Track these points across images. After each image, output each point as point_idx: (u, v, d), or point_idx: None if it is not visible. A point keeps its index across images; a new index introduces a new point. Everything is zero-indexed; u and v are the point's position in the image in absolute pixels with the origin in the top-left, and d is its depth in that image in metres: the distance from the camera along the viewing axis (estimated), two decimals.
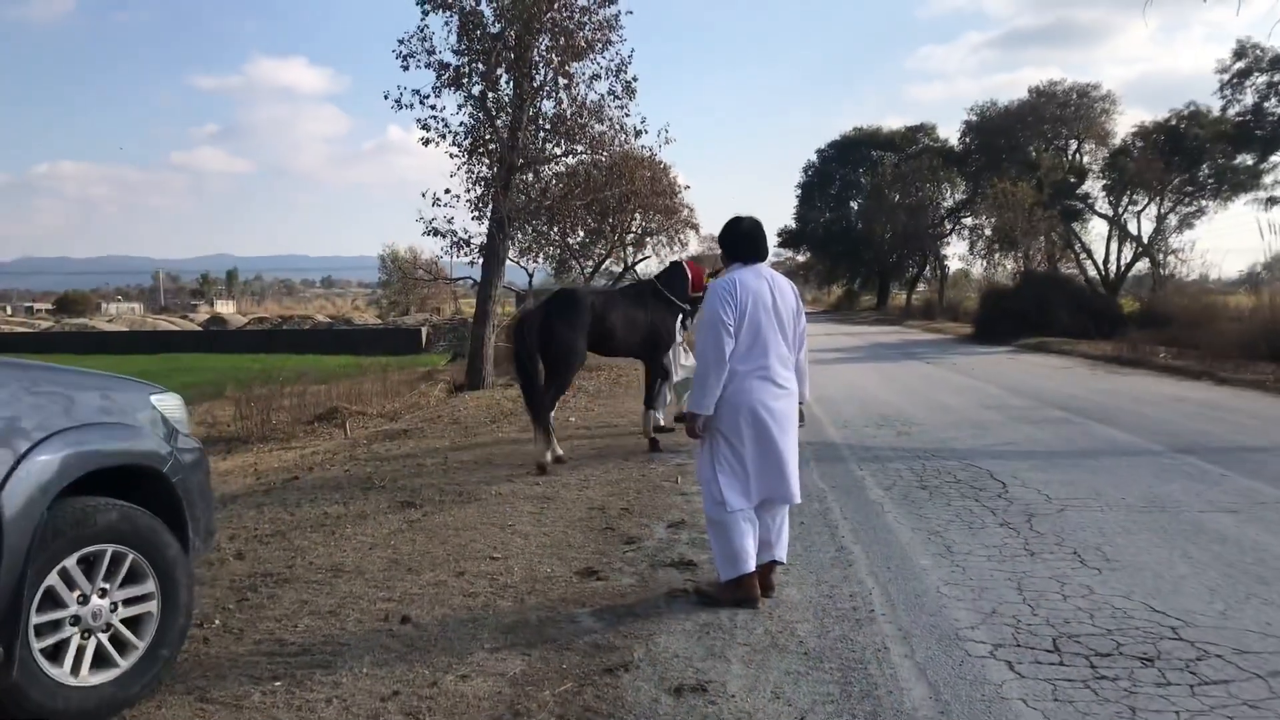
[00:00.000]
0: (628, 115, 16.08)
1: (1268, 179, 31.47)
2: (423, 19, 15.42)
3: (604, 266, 45.52)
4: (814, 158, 63.88)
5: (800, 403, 5.14)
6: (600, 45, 15.98)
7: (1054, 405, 12.58)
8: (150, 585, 3.87)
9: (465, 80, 15.50)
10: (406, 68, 15.44)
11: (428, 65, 15.47)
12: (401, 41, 15.40)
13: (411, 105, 15.51)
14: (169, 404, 4.32)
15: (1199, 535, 6.05)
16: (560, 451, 9.07)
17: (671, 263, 10.35)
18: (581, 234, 35.59)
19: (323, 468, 9.63)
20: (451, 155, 15.77)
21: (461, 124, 15.70)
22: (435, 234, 16.02)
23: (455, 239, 16.10)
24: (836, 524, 6.54)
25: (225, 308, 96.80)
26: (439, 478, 8.39)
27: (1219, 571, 5.27)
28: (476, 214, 16.03)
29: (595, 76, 16.11)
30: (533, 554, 5.88)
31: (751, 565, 4.90)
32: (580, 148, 16.27)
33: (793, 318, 5.01)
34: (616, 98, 15.92)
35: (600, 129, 16.23)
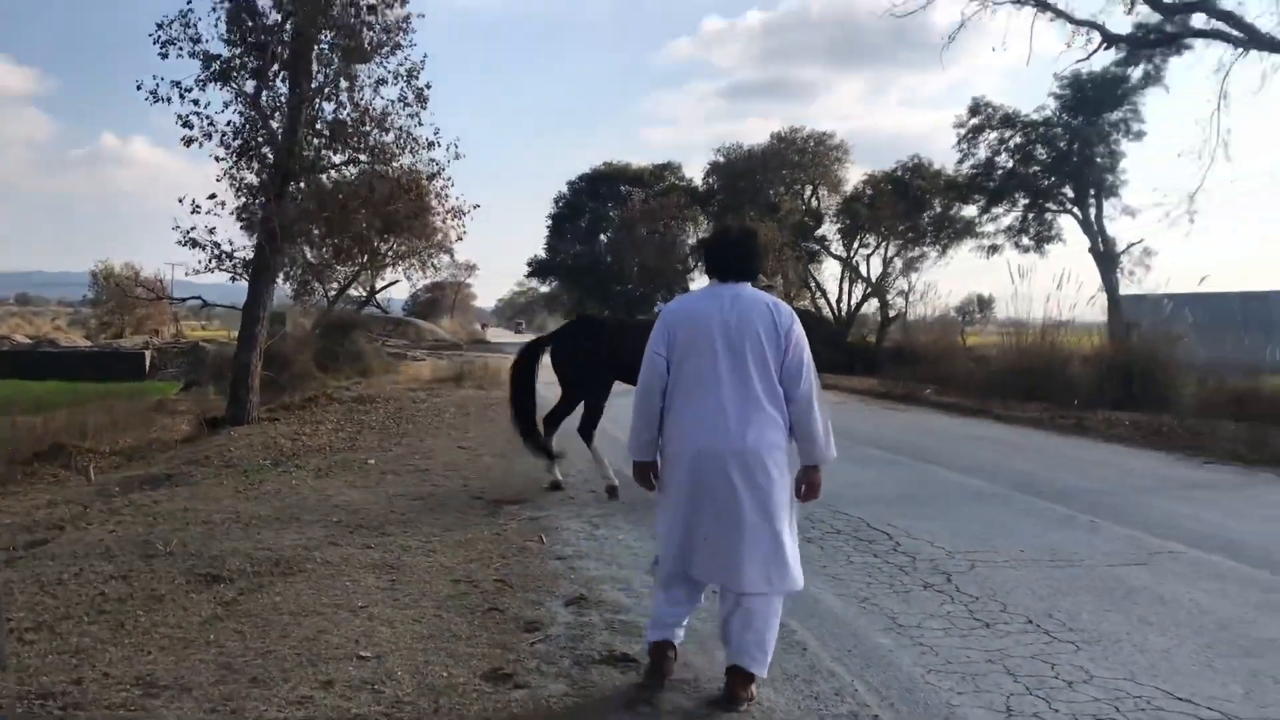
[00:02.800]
0: (420, 125, 14.77)
1: (990, 227, 33.92)
2: (188, 2, 13.50)
3: (347, 290, 43.16)
4: (565, 189, 63.79)
5: (810, 464, 4.05)
6: (389, 48, 14.62)
7: (865, 443, 12.42)
8: None
9: (235, 75, 13.67)
10: (166, 55, 13.43)
11: (192, 55, 13.52)
12: (161, 26, 13.39)
13: (170, 99, 13.50)
14: None
15: (1133, 595, 5.68)
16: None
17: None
18: (326, 253, 33.38)
19: (75, 525, 7.74)
20: (218, 158, 13.85)
21: (230, 123, 13.84)
22: (194, 245, 14.00)
23: (217, 252, 14.14)
24: None
25: None
26: (240, 540, 6.82)
27: (1194, 642, 4.86)
28: (245, 225, 14.19)
29: (382, 81, 14.72)
30: (412, 649, 4.63)
31: (657, 635, 4.16)
32: (363, 157, 14.77)
33: (766, 345, 3.95)
34: (407, 104, 14.59)
35: (386, 139, 14.83)
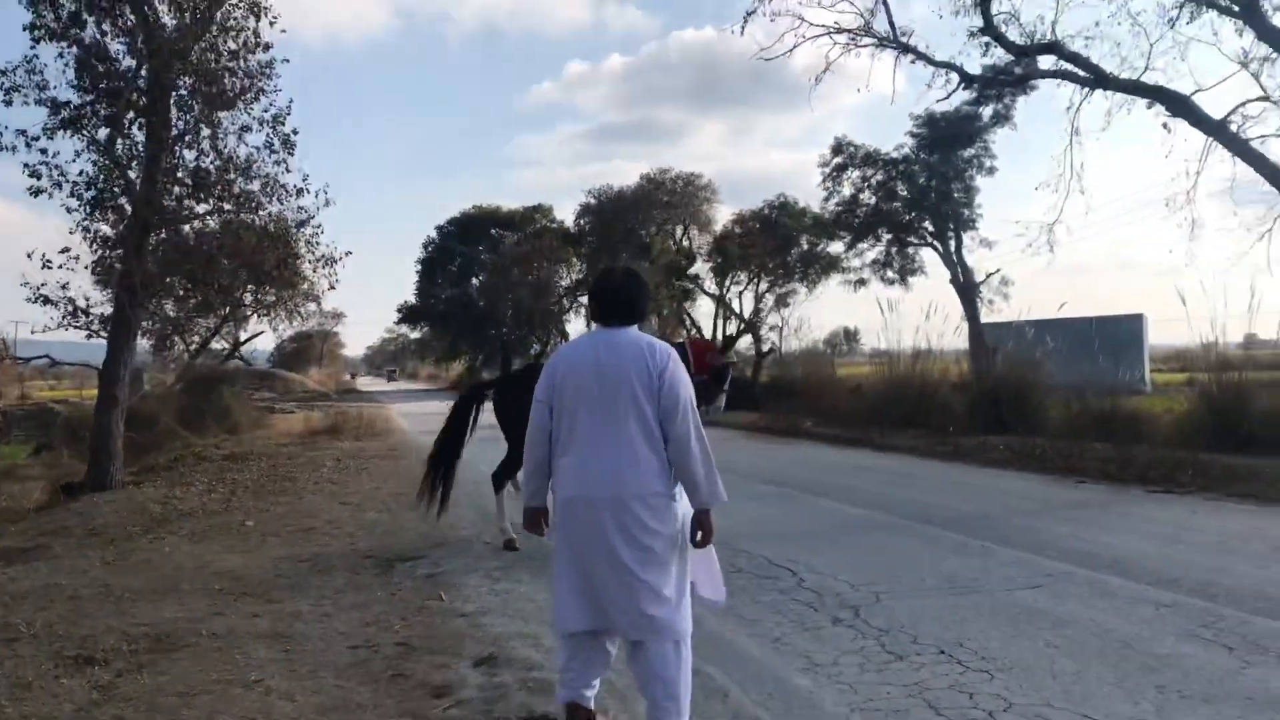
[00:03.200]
0: (288, 171, 14.31)
1: (855, 261, 34.90)
2: (32, 47, 12.80)
3: (209, 344, 41.57)
4: (434, 234, 63.13)
5: (699, 508, 3.87)
6: (252, 94, 14.16)
7: (755, 478, 12.49)
8: None
9: (87, 123, 13.01)
10: (10, 102, 12.68)
11: (38, 102, 12.81)
12: (3, 72, 12.66)
13: (15, 148, 12.74)
14: None
15: (1035, 619, 5.78)
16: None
17: (677, 343, 8.89)
18: (190, 305, 32.09)
19: None
20: (70, 209, 13.11)
21: (82, 173, 13.13)
22: (45, 302, 13.17)
23: (71, 308, 13.34)
24: None
25: None
26: (113, 616, 6.35)
27: (1101, 663, 4.95)
28: (101, 280, 13.43)
29: (246, 128, 14.23)
30: None
31: (566, 696, 4.00)
32: (227, 206, 14.21)
33: (639, 387, 3.83)
34: (273, 151, 14.13)
35: (251, 187, 14.32)
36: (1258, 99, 15.85)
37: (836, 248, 36.52)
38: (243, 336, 47.12)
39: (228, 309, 34.65)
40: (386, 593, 6.78)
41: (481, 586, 6.92)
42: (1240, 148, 15.43)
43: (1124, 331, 30.63)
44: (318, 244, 18.22)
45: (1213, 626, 5.50)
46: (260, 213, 14.19)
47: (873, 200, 31.73)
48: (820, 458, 15.54)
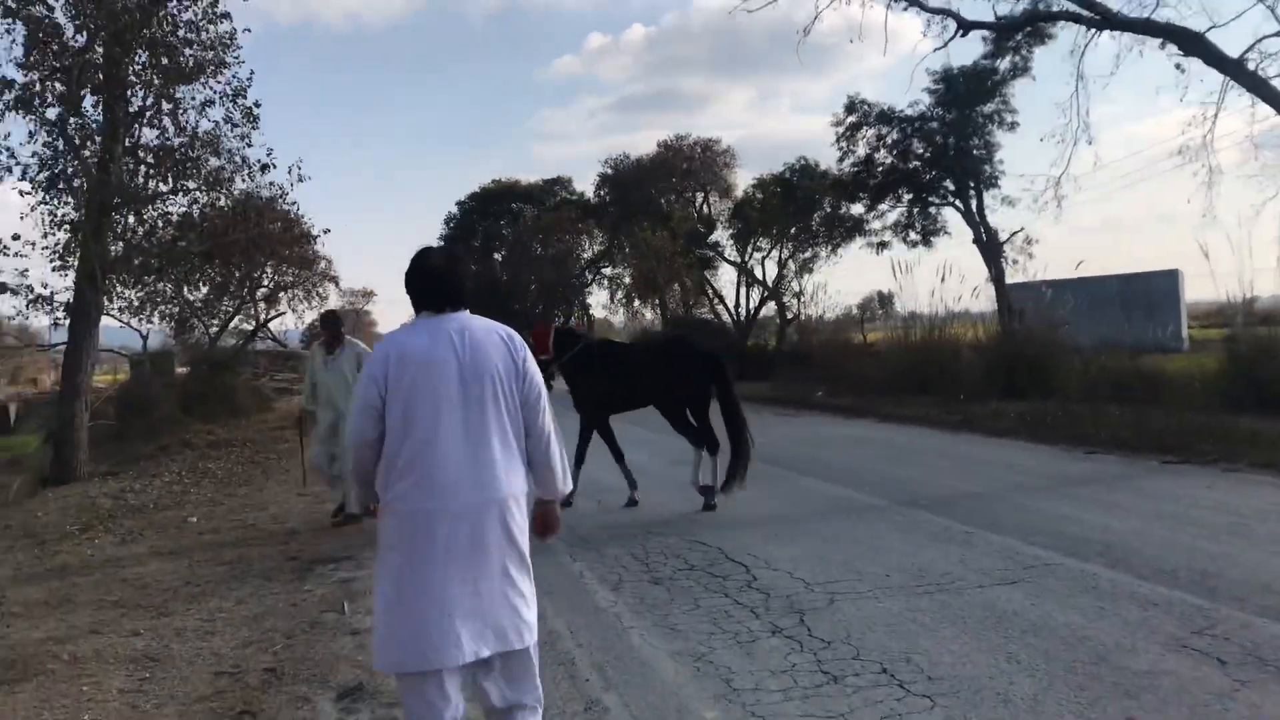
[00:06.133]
0: (249, 146, 13.69)
1: (877, 224, 33.81)
2: None
3: (231, 325, 41.40)
4: (455, 209, 62.59)
5: (550, 500, 3.58)
6: (213, 67, 13.53)
7: None
8: None
9: (37, 102, 12.43)
10: None
11: None
12: None
13: None
14: None
15: (1004, 624, 5.02)
16: None
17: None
18: (204, 289, 31.81)
19: None
20: (22, 193, 12.57)
21: (35, 154, 12.57)
22: (3, 290, 12.68)
23: (32, 296, 12.83)
24: (572, 655, 4.91)
25: None
26: None
27: (1066, 682, 4.19)
28: (59, 265, 12.91)
29: (209, 102, 13.61)
30: None
31: None
32: (192, 184, 13.62)
33: (504, 380, 3.39)
34: (235, 125, 13.51)
35: (217, 163, 13.72)
36: (1276, 34, 14.68)
37: (858, 210, 35.47)
38: (264, 318, 46.92)
39: (245, 290, 34.44)
40: (289, 602, 6.14)
41: None
42: (1259, 87, 14.26)
43: (1157, 289, 29.46)
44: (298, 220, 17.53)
45: (1206, 633, 4.72)
46: (220, 192, 13.55)
47: (889, 160, 30.58)
48: (821, 431, 14.75)
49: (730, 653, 4.84)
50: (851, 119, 30.92)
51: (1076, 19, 15.77)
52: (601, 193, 52.44)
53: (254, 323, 49.99)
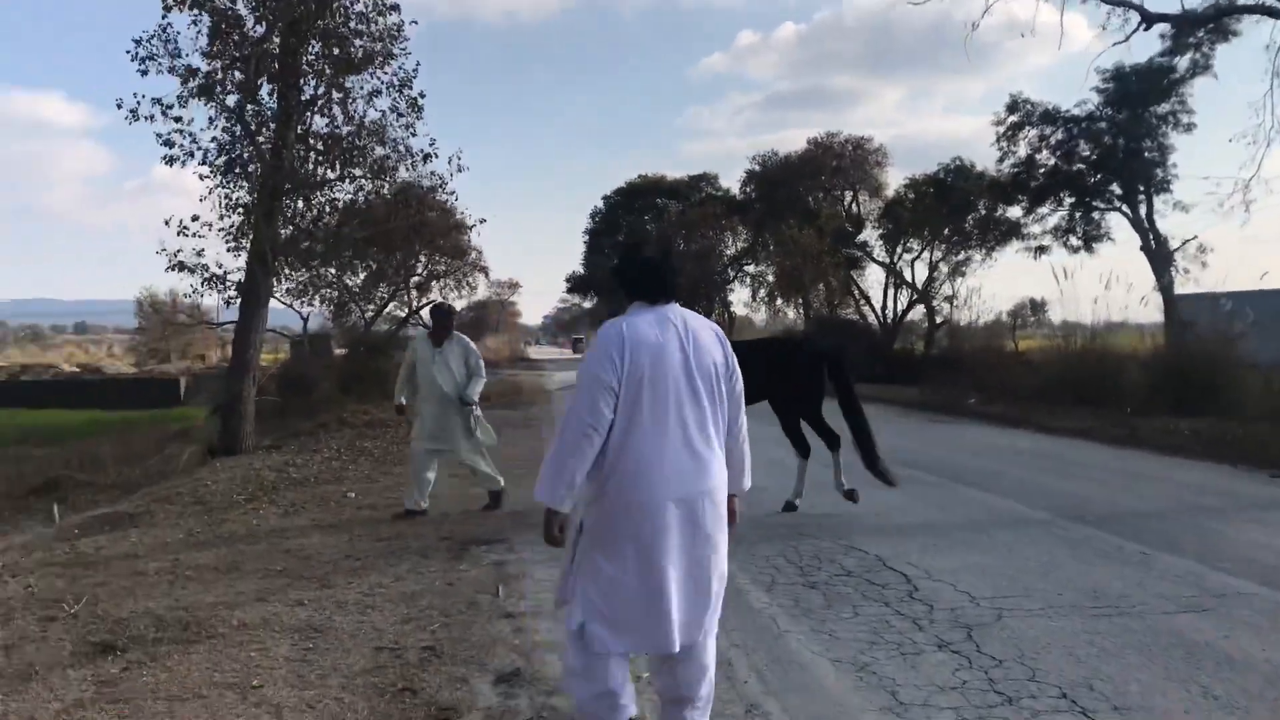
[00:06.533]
0: (414, 135, 14.06)
1: (1035, 228, 32.50)
2: (164, 15, 12.87)
3: (386, 311, 42.83)
4: (600, 204, 63.14)
5: (734, 495, 3.65)
6: (381, 58, 13.93)
7: (898, 462, 11.30)
8: None
9: (218, 89, 13.04)
10: (145, 72, 12.83)
11: (171, 70, 12.89)
12: (139, 42, 12.80)
13: (152, 117, 12.87)
14: None
15: (1195, 655, 4.66)
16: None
17: None
18: (362, 275, 33.08)
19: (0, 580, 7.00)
20: (202, 177, 13.22)
21: (214, 140, 13.20)
22: (182, 269, 13.37)
23: (207, 275, 13.50)
24: (728, 655, 4.78)
25: None
26: (161, 597, 6.03)
27: None
28: (233, 246, 13.53)
29: (376, 92, 14.04)
30: None
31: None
32: (359, 172, 14.07)
33: (719, 379, 3.50)
34: (400, 115, 13.89)
35: (382, 152, 14.13)
36: None
37: (1015, 213, 34.16)
38: (417, 306, 48.36)
39: (400, 276, 35.62)
40: (444, 583, 6.21)
41: (546, 580, 6.24)
42: None
43: None
44: (453, 211, 17.93)
45: None
46: (384, 180, 13.96)
47: (1051, 161, 29.32)
48: (976, 439, 14.21)
49: (894, 665, 4.64)
50: (1013, 118, 29.81)
51: (1272, 13, 14.74)
52: (748, 189, 52.03)
53: (406, 309, 51.66)
